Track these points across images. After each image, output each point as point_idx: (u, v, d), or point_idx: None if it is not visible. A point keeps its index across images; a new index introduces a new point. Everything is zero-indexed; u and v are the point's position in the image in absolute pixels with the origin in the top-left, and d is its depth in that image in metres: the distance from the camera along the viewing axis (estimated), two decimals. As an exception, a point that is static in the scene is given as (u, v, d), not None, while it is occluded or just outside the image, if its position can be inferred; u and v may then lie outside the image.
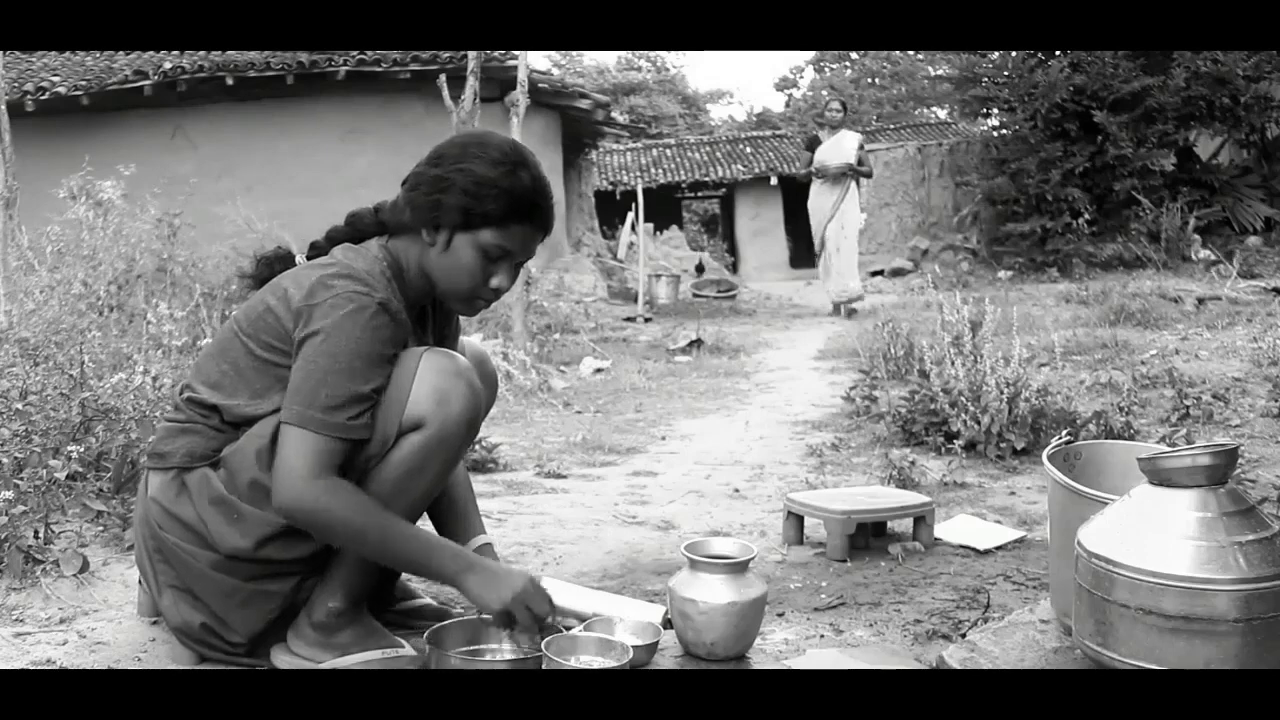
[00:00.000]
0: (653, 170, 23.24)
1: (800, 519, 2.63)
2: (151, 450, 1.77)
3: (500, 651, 1.76)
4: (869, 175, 10.10)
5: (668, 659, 1.84)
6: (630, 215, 14.18)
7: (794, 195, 17.50)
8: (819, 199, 9.66)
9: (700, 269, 14.08)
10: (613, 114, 15.06)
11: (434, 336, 1.89)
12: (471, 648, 1.76)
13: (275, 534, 1.65)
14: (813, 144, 9.89)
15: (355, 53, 11.05)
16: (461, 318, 2.01)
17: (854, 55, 34.80)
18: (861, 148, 9.67)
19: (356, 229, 1.81)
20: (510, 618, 1.63)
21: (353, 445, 1.63)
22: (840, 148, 9.51)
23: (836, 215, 9.48)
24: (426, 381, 1.66)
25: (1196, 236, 11.05)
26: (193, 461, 1.71)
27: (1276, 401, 3.92)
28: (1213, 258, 10.64)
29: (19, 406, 2.66)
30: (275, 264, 1.84)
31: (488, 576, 1.64)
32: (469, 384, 1.70)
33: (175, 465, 1.71)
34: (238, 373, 1.71)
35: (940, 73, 17.21)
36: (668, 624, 1.90)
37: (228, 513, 1.67)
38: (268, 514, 1.65)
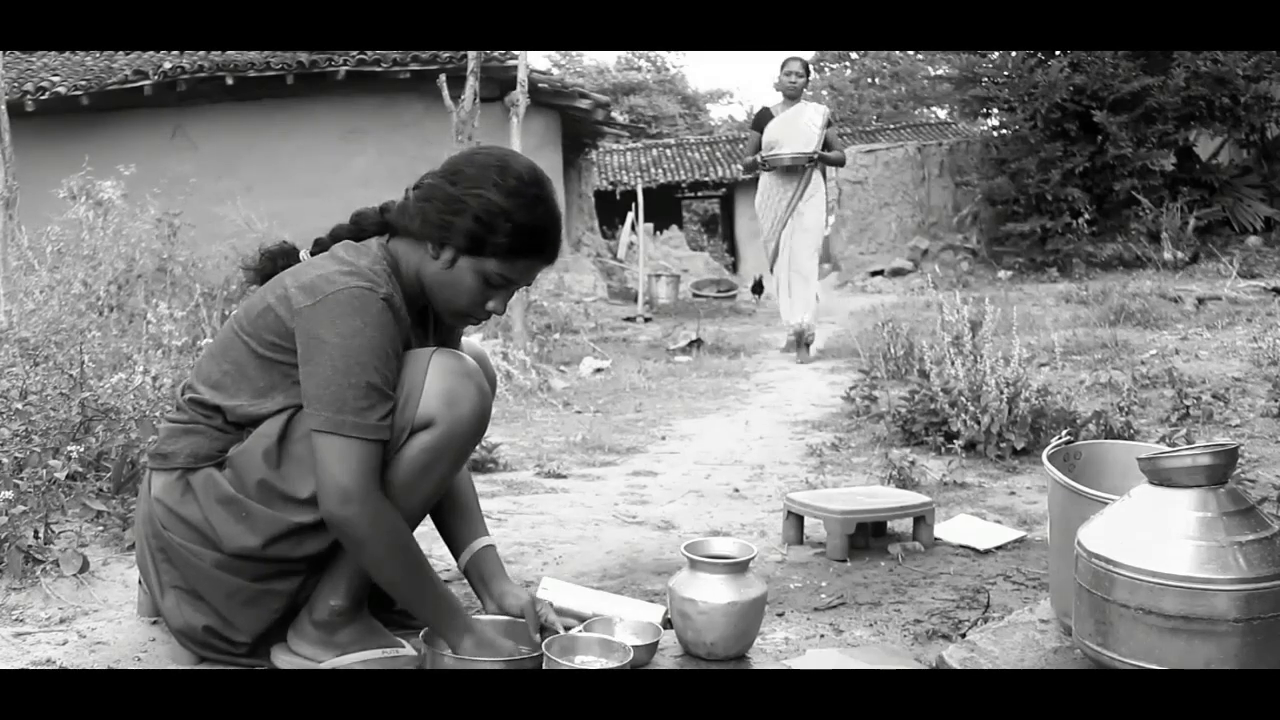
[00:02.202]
0: (653, 170, 23.27)
1: (800, 519, 2.63)
2: (154, 451, 1.77)
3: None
4: (840, 162, 6.94)
5: (668, 659, 1.85)
6: (630, 215, 14.19)
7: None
8: (770, 194, 6.77)
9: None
10: (613, 114, 15.06)
11: (435, 338, 1.89)
12: (471, 648, 1.76)
13: (284, 533, 1.66)
14: (761, 120, 6.78)
15: (355, 53, 11.08)
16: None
17: (854, 55, 34.79)
18: (829, 124, 6.74)
19: (360, 227, 1.81)
20: None
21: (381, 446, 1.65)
22: (799, 125, 6.63)
23: (792, 217, 6.69)
24: (436, 382, 1.67)
25: (1166, 234, 10.99)
26: (197, 462, 1.71)
27: (1276, 401, 3.92)
28: (1185, 258, 10.61)
29: (19, 406, 2.66)
30: (279, 259, 1.84)
31: (482, 646, 1.69)
32: (478, 385, 1.71)
33: (179, 466, 1.71)
34: (240, 372, 1.71)
35: (940, 73, 17.19)
36: (668, 624, 1.90)
37: (236, 512, 1.67)
38: (276, 512, 1.65)
